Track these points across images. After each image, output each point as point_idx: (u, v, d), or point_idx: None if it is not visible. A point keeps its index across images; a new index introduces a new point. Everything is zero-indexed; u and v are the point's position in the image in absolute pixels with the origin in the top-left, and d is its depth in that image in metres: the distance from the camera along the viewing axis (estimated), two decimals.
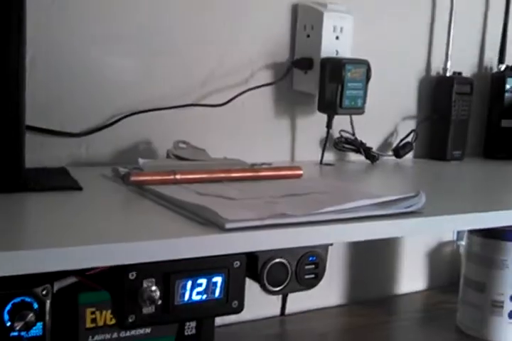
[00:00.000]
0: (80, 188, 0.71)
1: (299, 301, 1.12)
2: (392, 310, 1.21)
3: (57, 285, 0.58)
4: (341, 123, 1.06)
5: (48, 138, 0.88)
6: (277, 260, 0.61)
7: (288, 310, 1.13)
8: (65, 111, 0.89)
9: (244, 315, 1.05)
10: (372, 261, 1.23)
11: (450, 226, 0.73)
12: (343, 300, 1.21)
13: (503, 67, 1.25)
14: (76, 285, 0.65)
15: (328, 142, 1.05)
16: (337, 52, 1.02)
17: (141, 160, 0.83)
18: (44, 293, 0.50)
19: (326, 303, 1.18)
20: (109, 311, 0.73)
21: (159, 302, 0.53)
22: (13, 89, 0.69)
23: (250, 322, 1.07)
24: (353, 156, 1.12)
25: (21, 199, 0.66)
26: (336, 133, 1.08)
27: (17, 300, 0.48)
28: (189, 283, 0.56)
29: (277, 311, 1.13)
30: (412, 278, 1.29)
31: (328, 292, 1.17)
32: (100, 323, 0.74)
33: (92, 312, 0.73)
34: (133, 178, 0.71)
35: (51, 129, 0.87)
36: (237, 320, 1.04)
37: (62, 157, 0.89)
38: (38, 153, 0.86)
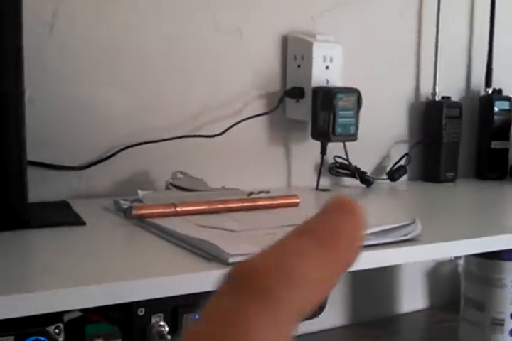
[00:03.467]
0: (83, 223, 0.73)
1: (302, 323, 1.12)
2: (394, 329, 1.21)
3: (65, 317, 0.59)
4: (335, 148, 1.08)
5: (49, 172, 0.89)
6: None
7: None
8: (63, 146, 0.90)
9: None
10: (373, 281, 1.24)
11: (447, 253, 0.75)
12: (345, 321, 1.21)
13: (490, 90, 1.28)
14: (83, 316, 0.66)
15: (323, 168, 1.07)
16: (327, 81, 1.04)
17: (140, 192, 0.84)
18: (56, 331, 0.51)
19: (329, 325, 1.18)
20: None
21: (168, 336, 0.55)
22: (14, 127, 0.71)
23: None
24: (348, 181, 1.13)
25: (26, 237, 0.67)
26: (330, 159, 1.10)
27: (31, 339, 0.50)
28: (196, 317, 0.57)
29: None
30: (412, 297, 1.30)
31: (331, 313, 1.18)
32: None
33: None
34: (135, 212, 0.73)
35: (51, 164, 0.89)
36: None
37: (63, 190, 0.91)
38: (39, 187, 0.87)
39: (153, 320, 0.55)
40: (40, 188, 0.88)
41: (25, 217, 0.71)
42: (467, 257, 1.08)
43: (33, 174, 0.81)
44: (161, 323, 0.55)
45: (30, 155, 0.78)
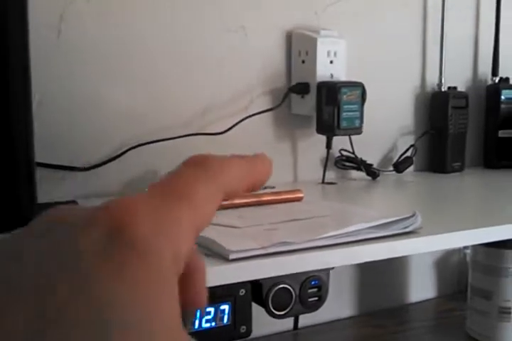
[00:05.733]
0: None
1: (311, 314, 1.14)
2: (403, 319, 1.23)
3: None
4: (341, 142, 1.09)
5: (58, 172, 0.91)
6: (281, 286, 0.63)
7: (300, 323, 1.15)
8: (72, 147, 0.92)
9: (259, 331, 1.07)
10: (381, 271, 1.25)
11: (447, 244, 0.75)
12: (354, 311, 1.23)
13: (497, 79, 1.27)
14: None
15: (328, 161, 1.08)
16: (332, 75, 1.05)
17: None
18: None
19: (338, 315, 1.20)
20: None
21: None
22: (23, 129, 0.72)
23: (264, 337, 1.09)
24: (355, 174, 1.14)
25: None
26: (336, 152, 1.11)
27: None
28: (198, 312, 0.59)
29: (290, 325, 1.15)
30: (420, 287, 1.31)
31: (339, 304, 1.20)
32: None
33: None
34: None
35: (60, 164, 0.91)
36: (251, 337, 1.07)
37: (72, 190, 0.93)
38: (48, 188, 0.89)
39: None
40: (50, 189, 0.90)
41: (34, 217, 0.73)
42: (475, 247, 1.08)
43: (42, 175, 0.83)
44: None
45: (40, 157, 0.80)
